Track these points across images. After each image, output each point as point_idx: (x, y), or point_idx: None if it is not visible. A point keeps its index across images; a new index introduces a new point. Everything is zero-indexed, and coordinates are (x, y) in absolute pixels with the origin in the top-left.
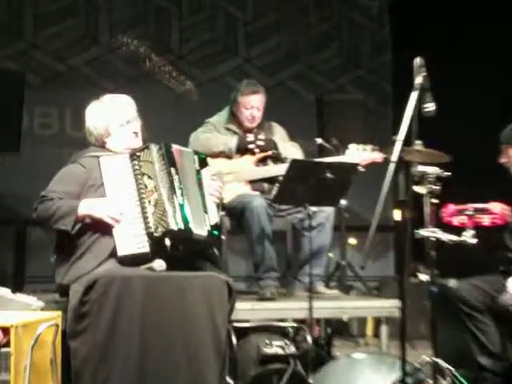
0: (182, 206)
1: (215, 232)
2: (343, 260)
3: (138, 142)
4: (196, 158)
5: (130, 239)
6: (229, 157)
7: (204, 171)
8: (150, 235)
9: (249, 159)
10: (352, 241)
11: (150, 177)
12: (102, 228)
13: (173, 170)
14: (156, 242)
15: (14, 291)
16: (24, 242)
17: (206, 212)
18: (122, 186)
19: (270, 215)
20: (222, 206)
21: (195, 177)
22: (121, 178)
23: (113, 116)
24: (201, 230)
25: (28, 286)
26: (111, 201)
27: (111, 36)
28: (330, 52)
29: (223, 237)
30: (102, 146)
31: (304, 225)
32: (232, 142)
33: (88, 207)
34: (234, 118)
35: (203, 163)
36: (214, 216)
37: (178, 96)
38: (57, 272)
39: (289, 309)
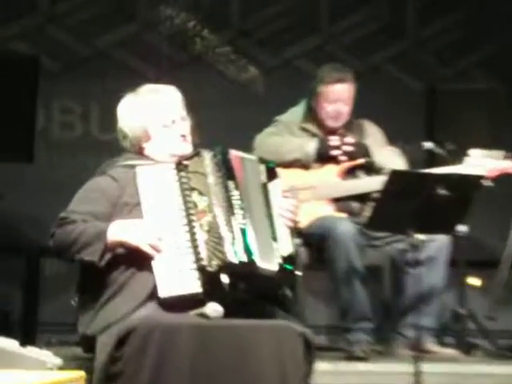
0: (243, 232)
1: (288, 266)
2: (462, 307)
3: (186, 148)
4: (262, 167)
5: (176, 275)
6: (306, 166)
7: (273, 185)
8: (201, 270)
9: (332, 170)
10: (474, 281)
11: (201, 193)
12: (138, 260)
13: (231, 184)
14: (210, 280)
15: (23, 344)
16: (37, 279)
17: (275, 239)
18: (164, 205)
19: (361, 245)
20: (297, 232)
21: (261, 193)
22: (163, 194)
23: (154, 114)
24: (269, 263)
25: (41, 337)
26: (150, 223)
27: (151, 9)
28: (446, 23)
29: (298, 273)
30: (140, 152)
31: (407, 258)
32: (310, 146)
33: (120, 231)
34: (312, 115)
35: (272, 175)
36: (286, 245)
37: (239, 86)
38: (80, 319)
39: (387, 373)
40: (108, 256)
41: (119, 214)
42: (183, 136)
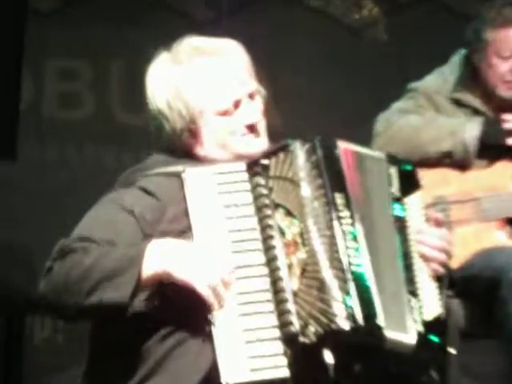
0: (359, 278)
1: (434, 338)
2: None
3: (256, 144)
4: (393, 171)
5: (247, 349)
6: (462, 165)
7: (411, 201)
8: (289, 341)
9: (508, 171)
10: None
11: (290, 212)
12: (189, 316)
13: (339, 198)
14: (304, 357)
15: None
16: (20, 351)
17: (413, 294)
18: (229, 231)
19: None
20: (447, 277)
21: (390, 212)
22: (228, 212)
23: (206, 91)
24: (402, 331)
25: None
26: (215, 252)
27: None
28: None
29: (451, 349)
30: (185, 150)
31: None
32: (470, 131)
33: (166, 257)
34: (472, 79)
35: (410, 183)
36: (431, 303)
37: (348, 33)
38: None
39: None
40: (142, 297)
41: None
42: (251, 127)
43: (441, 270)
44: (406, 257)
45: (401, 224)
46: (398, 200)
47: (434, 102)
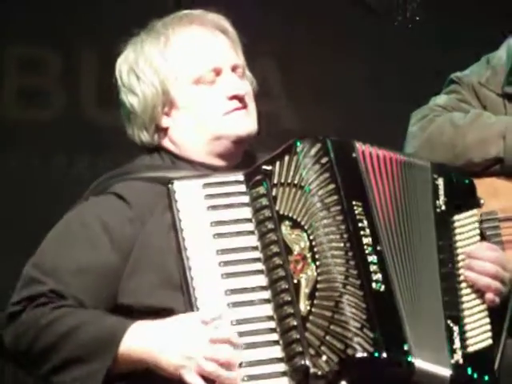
0: (382, 297)
1: (476, 374)
2: None
3: (243, 123)
4: (441, 181)
5: None
6: None
7: (463, 220)
8: (298, 374)
9: None
10: None
11: (297, 224)
12: None
13: (357, 207)
14: None
15: None
16: None
17: (455, 319)
18: (225, 251)
19: None
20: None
21: (431, 227)
22: (222, 230)
23: (180, 56)
24: (437, 363)
25: None
26: (206, 318)
27: None
28: None
29: None
30: (160, 142)
31: None
32: None
33: (149, 341)
34: None
35: (464, 199)
36: (476, 333)
37: (370, 13)
38: None
39: None
40: None
41: (136, 272)
42: (236, 98)
43: (495, 299)
44: (449, 279)
45: (444, 242)
46: (443, 214)
47: (481, 96)
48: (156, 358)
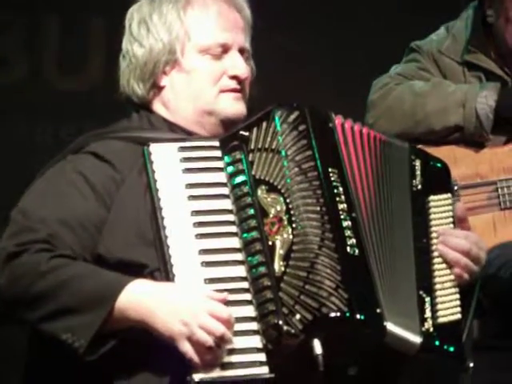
0: (356, 260)
1: (446, 345)
2: None
3: (235, 106)
4: (418, 162)
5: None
6: (475, 142)
7: (439, 201)
8: (271, 332)
9: None
10: None
11: (273, 188)
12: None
13: (333, 173)
14: (288, 351)
15: None
16: None
17: (427, 290)
18: (201, 214)
19: None
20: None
21: (406, 202)
22: (199, 195)
23: (194, 20)
24: (408, 328)
25: None
26: (202, 289)
27: None
28: None
29: (469, 361)
30: (149, 104)
31: None
32: (484, 99)
33: (147, 304)
34: (486, 39)
35: (439, 182)
36: (447, 305)
37: None
38: None
39: None
40: (108, 346)
41: (112, 226)
42: (236, 79)
43: (465, 275)
44: (423, 253)
45: (419, 218)
46: (418, 193)
47: (441, 64)
48: (152, 316)
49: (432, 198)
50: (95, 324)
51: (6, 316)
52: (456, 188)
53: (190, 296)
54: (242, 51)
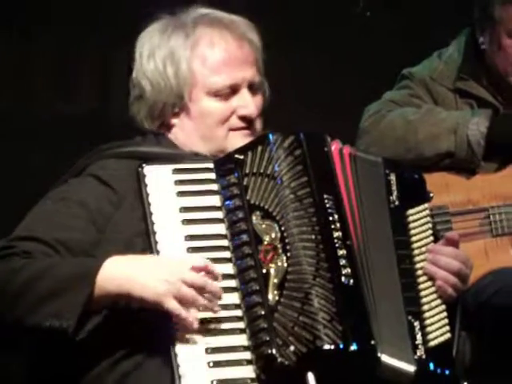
0: (350, 290)
1: (440, 368)
2: None
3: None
4: (393, 176)
5: (211, 373)
6: (464, 169)
7: (417, 213)
8: (264, 362)
9: None
10: None
11: (268, 214)
12: (151, 335)
13: (329, 200)
14: (282, 382)
15: None
16: None
17: (415, 315)
18: (195, 238)
19: None
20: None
21: (387, 223)
22: (190, 217)
23: (203, 61)
24: (401, 358)
25: None
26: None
27: None
28: None
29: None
30: (162, 129)
31: None
32: (475, 125)
33: (125, 272)
34: (478, 66)
35: (415, 192)
36: (437, 328)
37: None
38: None
39: None
40: (94, 322)
41: (104, 243)
42: (245, 120)
43: (452, 293)
44: (408, 275)
45: (400, 238)
46: (397, 210)
47: (433, 91)
48: (134, 284)
49: (410, 211)
50: (80, 301)
51: None
52: (446, 211)
53: (167, 259)
54: (251, 85)
